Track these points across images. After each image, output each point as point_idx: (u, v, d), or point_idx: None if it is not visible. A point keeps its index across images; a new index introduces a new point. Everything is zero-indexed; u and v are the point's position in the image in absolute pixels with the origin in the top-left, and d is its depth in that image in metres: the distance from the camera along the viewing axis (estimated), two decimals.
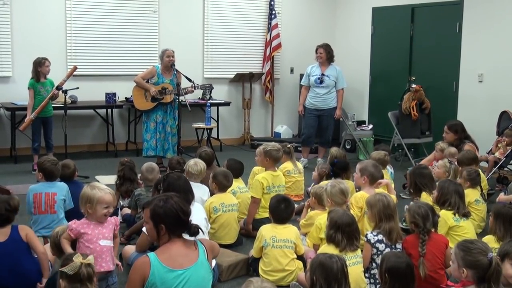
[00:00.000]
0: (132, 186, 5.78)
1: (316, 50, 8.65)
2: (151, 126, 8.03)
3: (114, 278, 3.92)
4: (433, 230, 4.13)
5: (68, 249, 3.74)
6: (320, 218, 4.49)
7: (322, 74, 8.51)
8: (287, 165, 6.59)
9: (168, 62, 7.89)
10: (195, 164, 5.39)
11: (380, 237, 4.10)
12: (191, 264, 3.22)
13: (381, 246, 4.07)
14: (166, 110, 8.02)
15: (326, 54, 8.55)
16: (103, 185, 4.01)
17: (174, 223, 3.26)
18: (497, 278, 3.07)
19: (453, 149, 6.69)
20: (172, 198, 3.32)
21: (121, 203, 5.78)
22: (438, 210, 4.95)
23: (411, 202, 5.70)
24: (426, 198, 5.37)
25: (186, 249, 3.26)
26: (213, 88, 8.55)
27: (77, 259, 2.96)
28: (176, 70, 7.93)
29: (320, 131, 8.73)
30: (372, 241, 4.09)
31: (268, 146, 5.75)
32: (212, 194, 5.33)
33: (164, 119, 8.03)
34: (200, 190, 5.19)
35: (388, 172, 6.24)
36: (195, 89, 8.17)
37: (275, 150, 5.68)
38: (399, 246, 4.12)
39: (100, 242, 3.81)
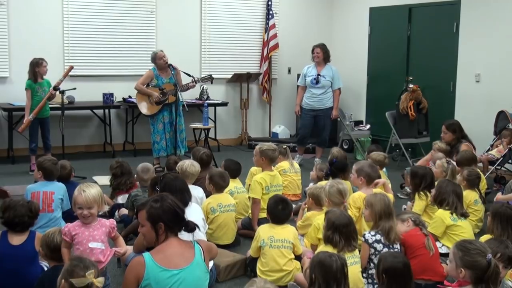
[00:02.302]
0: (129, 179, 5.85)
1: (313, 50, 8.65)
2: (159, 128, 8.05)
3: (106, 280, 3.88)
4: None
5: (66, 260, 3.70)
6: (318, 218, 4.50)
7: (318, 75, 8.52)
8: (283, 164, 6.60)
9: (163, 64, 7.89)
10: (192, 165, 5.37)
11: (378, 237, 4.10)
12: (187, 264, 3.22)
13: (378, 246, 4.07)
14: (171, 109, 8.01)
15: (323, 54, 8.56)
16: (90, 186, 3.88)
17: (173, 219, 3.26)
18: (496, 280, 3.07)
19: (440, 154, 6.59)
20: (167, 197, 3.33)
21: (119, 202, 5.77)
22: (435, 209, 4.96)
23: (408, 203, 5.74)
24: (418, 201, 5.38)
25: (182, 249, 3.26)
26: (213, 78, 8.52)
27: (90, 276, 2.87)
28: (174, 68, 7.94)
29: (316, 131, 8.73)
30: (370, 241, 4.09)
31: (264, 146, 5.75)
32: (209, 195, 5.31)
33: (171, 118, 8.03)
34: (194, 191, 5.16)
35: (384, 172, 6.24)
36: (196, 83, 8.17)
37: (270, 150, 5.68)
38: (396, 246, 4.12)
39: (89, 245, 3.76)
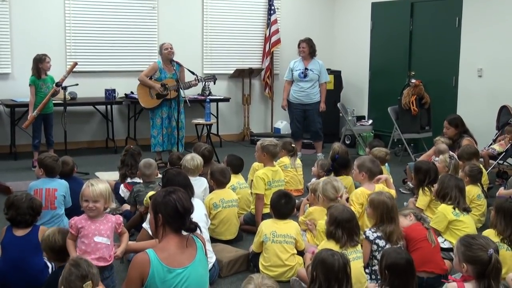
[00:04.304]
0: (131, 171, 5.83)
1: (299, 44, 8.70)
2: (157, 122, 8.07)
3: (110, 271, 3.89)
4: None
5: (73, 252, 3.71)
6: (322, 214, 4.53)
7: (306, 68, 8.55)
8: (284, 159, 6.60)
9: (167, 55, 7.89)
10: (191, 159, 5.37)
11: (379, 233, 4.10)
12: (190, 262, 3.18)
13: (381, 242, 4.06)
14: (171, 105, 8.03)
15: (309, 49, 8.60)
16: (99, 182, 3.94)
17: (171, 214, 3.18)
18: (497, 275, 3.07)
19: (444, 146, 6.59)
20: (176, 192, 3.26)
21: (122, 195, 5.77)
22: (439, 205, 4.96)
23: (411, 199, 5.74)
24: (422, 196, 5.37)
25: (184, 247, 3.20)
26: (216, 79, 8.55)
27: (87, 287, 2.89)
28: (179, 64, 7.95)
29: (307, 126, 8.75)
30: (371, 237, 4.09)
31: (266, 141, 5.75)
32: (211, 190, 5.32)
33: (170, 113, 8.06)
34: (197, 184, 5.15)
35: (386, 168, 6.24)
36: (199, 81, 8.20)
37: (272, 145, 5.68)
38: (400, 242, 4.11)
39: (95, 239, 3.78)
